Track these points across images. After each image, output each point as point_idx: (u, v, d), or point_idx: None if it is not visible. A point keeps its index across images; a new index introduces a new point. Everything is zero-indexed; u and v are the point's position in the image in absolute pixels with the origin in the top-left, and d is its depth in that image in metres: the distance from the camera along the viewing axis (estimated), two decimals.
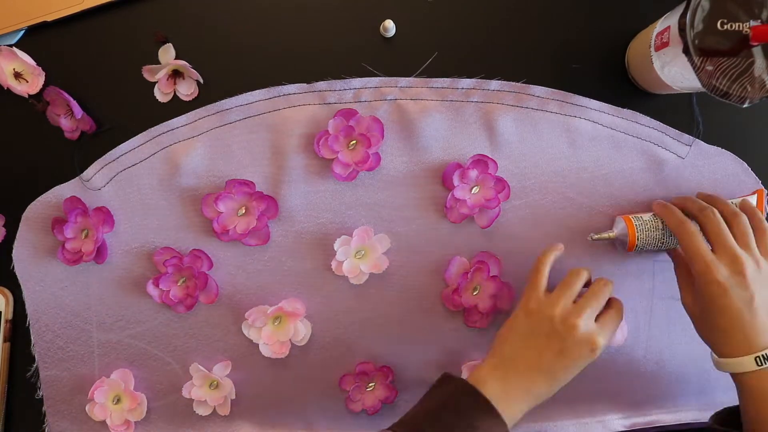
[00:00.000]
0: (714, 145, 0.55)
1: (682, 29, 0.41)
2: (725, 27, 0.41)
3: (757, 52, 0.41)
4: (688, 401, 0.58)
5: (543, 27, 0.54)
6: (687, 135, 0.54)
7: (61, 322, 0.55)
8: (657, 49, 0.46)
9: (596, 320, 0.46)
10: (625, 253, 0.54)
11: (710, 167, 0.55)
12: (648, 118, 0.54)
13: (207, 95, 0.53)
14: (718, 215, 0.47)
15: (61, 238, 0.53)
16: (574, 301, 0.47)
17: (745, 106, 0.42)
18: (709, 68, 0.41)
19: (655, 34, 0.47)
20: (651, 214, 0.52)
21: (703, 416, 0.56)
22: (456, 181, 0.53)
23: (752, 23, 0.40)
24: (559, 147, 0.54)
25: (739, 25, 0.40)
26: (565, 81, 0.54)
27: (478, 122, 0.53)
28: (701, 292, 0.45)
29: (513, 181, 0.54)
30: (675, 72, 0.45)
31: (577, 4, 0.54)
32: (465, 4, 0.53)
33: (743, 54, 0.41)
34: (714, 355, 0.47)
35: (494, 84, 0.53)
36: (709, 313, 0.45)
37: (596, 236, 0.52)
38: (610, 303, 0.48)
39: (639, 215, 0.52)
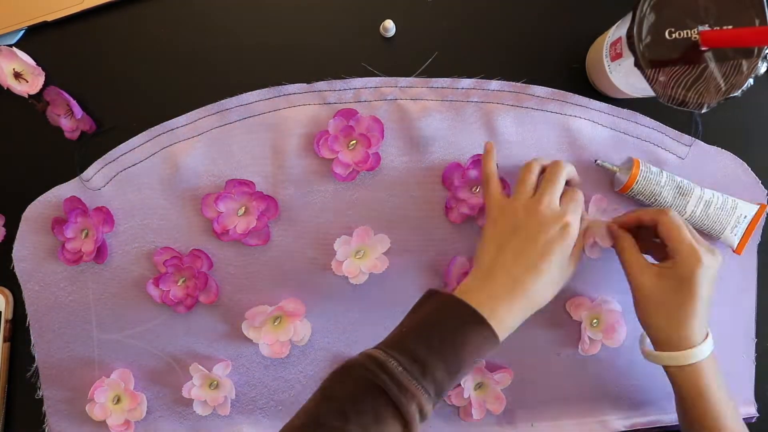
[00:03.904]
0: (714, 145, 0.55)
1: (630, 42, 0.40)
2: (674, 36, 0.40)
3: (709, 56, 0.40)
4: None
5: (543, 27, 0.54)
6: (687, 135, 0.54)
7: (61, 322, 0.55)
8: (612, 59, 0.45)
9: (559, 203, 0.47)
10: (618, 192, 0.53)
11: (710, 167, 0.55)
12: (648, 118, 0.54)
13: (207, 95, 0.53)
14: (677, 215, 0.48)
15: (61, 238, 0.53)
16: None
17: (703, 111, 0.41)
18: (662, 79, 0.40)
19: (608, 44, 0.46)
20: (659, 169, 0.52)
21: None
22: (456, 181, 0.53)
23: (700, 28, 0.39)
24: (559, 147, 0.54)
25: (687, 32, 0.39)
26: (564, 81, 0.54)
27: (478, 122, 0.53)
28: (682, 275, 0.45)
29: (513, 181, 0.54)
30: (633, 81, 0.44)
31: (578, 4, 0.54)
32: (465, 4, 0.53)
33: (695, 60, 0.40)
34: (650, 343, 0.49)
35: (494, 84, 0.53)
36: (678, 298, 0.46)
37: (601, 162, 0.52)
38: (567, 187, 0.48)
39: (648, 164, 0.52)
